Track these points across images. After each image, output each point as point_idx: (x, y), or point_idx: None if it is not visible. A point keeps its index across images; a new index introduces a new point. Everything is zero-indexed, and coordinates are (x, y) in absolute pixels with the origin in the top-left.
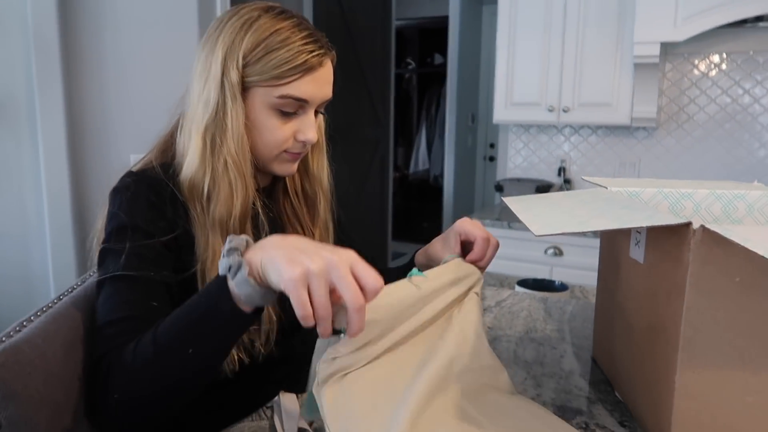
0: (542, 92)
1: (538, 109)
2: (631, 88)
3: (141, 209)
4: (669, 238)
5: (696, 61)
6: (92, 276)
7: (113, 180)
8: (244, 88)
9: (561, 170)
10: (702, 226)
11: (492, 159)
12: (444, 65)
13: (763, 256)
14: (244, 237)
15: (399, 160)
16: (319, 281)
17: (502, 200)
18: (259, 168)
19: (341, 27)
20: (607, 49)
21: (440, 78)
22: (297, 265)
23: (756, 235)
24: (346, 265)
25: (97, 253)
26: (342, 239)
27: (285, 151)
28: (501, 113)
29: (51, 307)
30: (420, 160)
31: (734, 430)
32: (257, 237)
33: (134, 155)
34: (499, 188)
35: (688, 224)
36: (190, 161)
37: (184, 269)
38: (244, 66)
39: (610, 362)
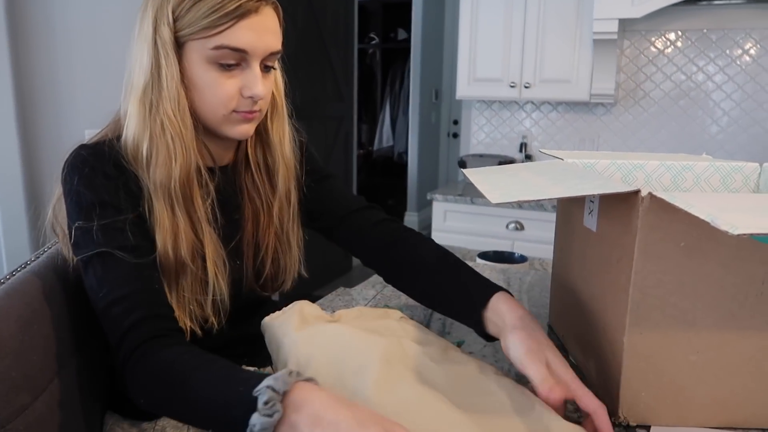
0: (504, 68)
1: (501, 85)
2: (591, 65)
3: (102, 183)
4: (619, 206)
5: (653, 39)
6: (47, 250)
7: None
8: (179, 45)
9: (522, 146)
10: (650, 194)
11: (455, 135)
12: (408, 41)
13: (705, 222)
14: (277, 395)
15: (363, 137)
16: None
17: (465, 176)
18: (213, 133)
19: (304, 1)
20: (567, 25)
21: (404, 54)
22: None
23: (699, 201)
24: None
25: (57, 232)
26: (318, 193)
27: (234, 111)
28: (464, 89)
29: (3, 283)
30: (384, 136)
31: (679, 387)
32: (209, 209)
33: (89, 130)
34: (462, 164)
35: (637, 192)
36: (130, 126)
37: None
38: (175, 20)
39: (566, 328)
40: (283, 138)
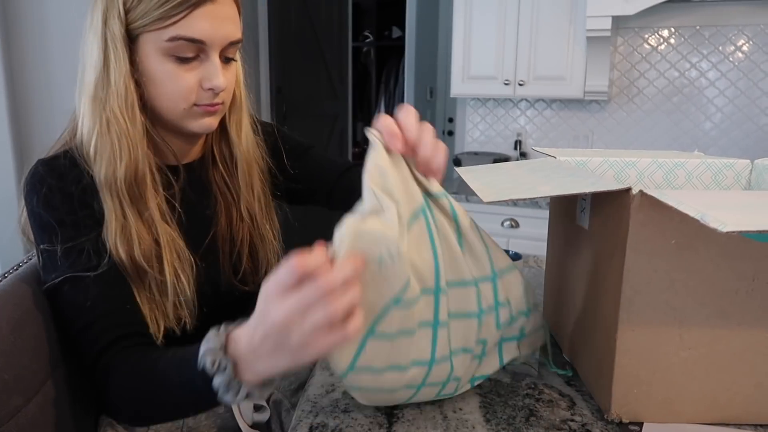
0: (498, 66)
1: (495, 82)
2: (584, 62)
3: (61, 202)
4: (611, 203)
5: (646, 36)
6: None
7: None
8: (132, 38)
9: (517, 143)
10: (641, 191)
11: (450, 133)
12: (402, 38)
13: (696, 219)
14: (216, 352)
15: (358, 136)
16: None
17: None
18: (174, 128)
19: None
20: (561, 22)
21: (398, 51)
22: (299, 353)
23: (689, 198)
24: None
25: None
26: (305, 167)
27: (195, 104)
28: (458, 87)
29: None
30: None
31: (670, 383)
32: (172, 211)
33: None
34: (457, 162)
35: (628, 189)
36: (84, 125)
37: None
38: (126, 12)
39: (559, 325)
40: (240, 131)
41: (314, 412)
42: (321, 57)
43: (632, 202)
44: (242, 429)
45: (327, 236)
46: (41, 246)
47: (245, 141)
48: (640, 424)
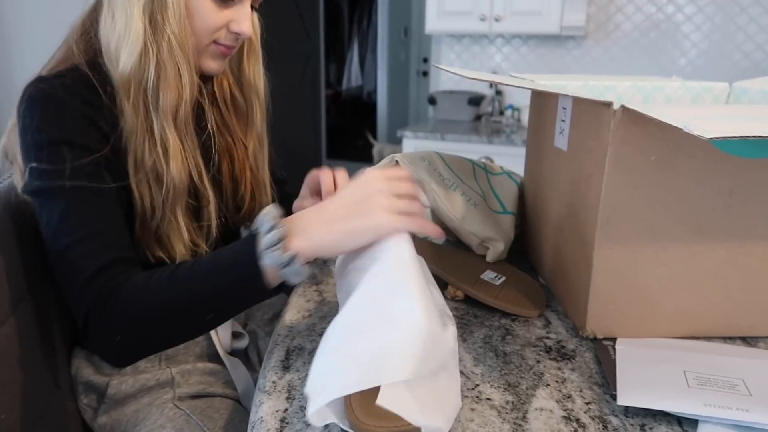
0: (474, 0)
1: (470, 18)
2: None
3: (71, 121)
4: (591, 122)
5: None
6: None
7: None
8: None
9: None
10: (622, 106)
11: (425, 74)
12: None
13: (676, 136)
14: (275, 217)
15: (331, 77)
16: (399, 205)
17: (435, 113)
18: None
19: None
20: None
21: None
22: (373, 213)
23: (671, 111)
24: (387, 183)
25: (20, 173)
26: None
27: (215, 42)
28: (433, 23)
29: None
30: (353, 75)
31: (645, 300)
32: (201, 135)
33: None
34: (432, 101)
35: (609, 104)
36: (131, 48)
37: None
38: None
39: (535, 249)
40: (258, 78)
41: (291, 336)
42: None
43: (613, 117)
44: (221, 355)
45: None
46: (38, 164)
47: (261, 89)
48: (614, 340)
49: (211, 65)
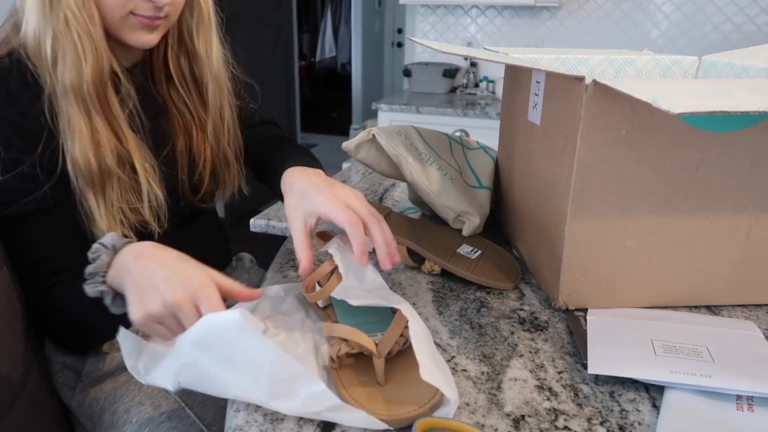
0: None
1: None
2: None
3: (6, 114)
4: (564, 97)
5: None
6: None
7: None
8: None
9: None
10: (594, 81)
11: (400, 45)
12: None
13: (646, 110)
14: (102, 251)
15: (305, 47)
16: (166, 320)
17: (410, 85)
18: (113, 38)
19: None
20: None
21: None
22: (140, 307)
23: (641, 86)
24: (190, 304)
25: None
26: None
27: (132, 13)
28: None
29: None
30: (326, 46)
31: (615, 272)
32: (129, 114)
33: None
34: (407, 73)
35: (582, 78)
36: (29, 22)
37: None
38: None
39: (509, 222)
40: (210, 51)
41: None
42: None
43: (585, 92)
44: None
45: None
46: None
47: (216, 62)
48: (585, 310)
49: (138, 38)
